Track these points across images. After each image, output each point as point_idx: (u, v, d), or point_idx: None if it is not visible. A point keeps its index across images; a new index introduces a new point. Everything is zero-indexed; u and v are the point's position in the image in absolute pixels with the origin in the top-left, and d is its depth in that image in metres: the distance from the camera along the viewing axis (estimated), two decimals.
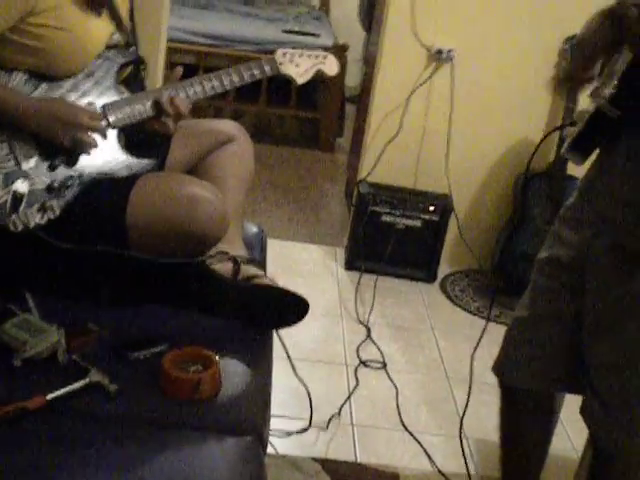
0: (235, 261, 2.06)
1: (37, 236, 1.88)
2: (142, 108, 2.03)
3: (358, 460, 2.59)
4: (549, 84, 3.83)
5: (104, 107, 2.01)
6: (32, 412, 1.54)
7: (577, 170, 2.00)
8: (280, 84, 5.19)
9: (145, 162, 2.05)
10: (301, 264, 3.92)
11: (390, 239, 3.85)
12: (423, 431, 2.78)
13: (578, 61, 1.70)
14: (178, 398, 1.66)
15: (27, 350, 1.68)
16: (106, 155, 2.00)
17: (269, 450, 2.08)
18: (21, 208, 1.88)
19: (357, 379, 3.02)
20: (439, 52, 3.75)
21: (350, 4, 6.36)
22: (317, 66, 2.26)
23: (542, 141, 2.01)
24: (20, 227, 1.88)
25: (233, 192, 2.18)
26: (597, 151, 1.79)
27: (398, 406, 2.90)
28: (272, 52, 2.21)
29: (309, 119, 5.79)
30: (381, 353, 3.23)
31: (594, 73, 1.70)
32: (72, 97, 1.99)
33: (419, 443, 2.70)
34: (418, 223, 3.85)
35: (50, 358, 1.71)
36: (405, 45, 3.77)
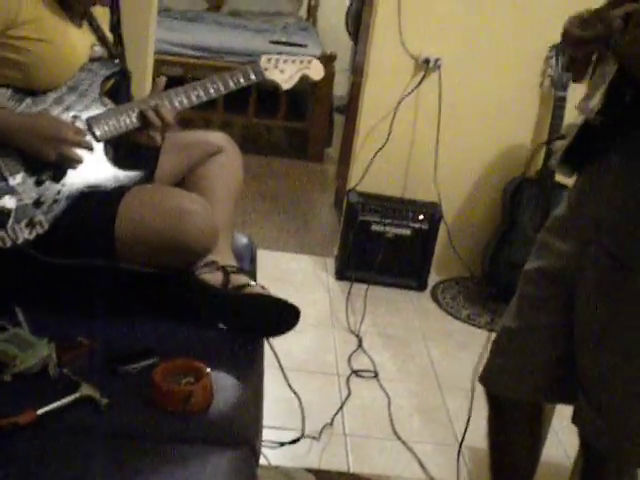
0: (225, 271, 2.05)
1: (26, 252, 1.88)
2: (127, 120, 2.03)
3: (351, 470, 2.58)
4: (536, 91, 3.85)
5: (89, 120, 2.00)
6: (23, 427, 1.53)
7: (565, 178, 2.00)
8: (268, 95, 5.20)
9: (133, 174, 2.05)
10: (291, 274, 3.92)
11: (380, 248, 3.85)
12: (416, 440, 2.78)
13: (570, 43, 1.66)
14: (169, 411, 1.66)
15: (17, 365, 1.67)
16: (93, 168, 1.99)
17: (261, 461, 2.08)
18: (9, 224, 1.87)
19: (349, 389, 3.02)
20: (426, 61, 3.76)
21: (337, 14, 6.38)
22: (302, 71, 2.26)
23: (534, 153, 2.01)
24: (9, 243, 1.87)
25: (222, 203, 2.17)
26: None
27: (390, 415, 2.89)
28: None
29: (298, 129, 5.80)
30: (373, 362, 3.22)
31: (590, 49, 1.66)
32: (56, 111, 1.98)
33: (412, 452, 2.70)
34: (408, 232, 3.86)
35: (41, 372, 1.70)
36: (392, 54, 3.78)
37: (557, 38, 1.67)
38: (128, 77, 2.17)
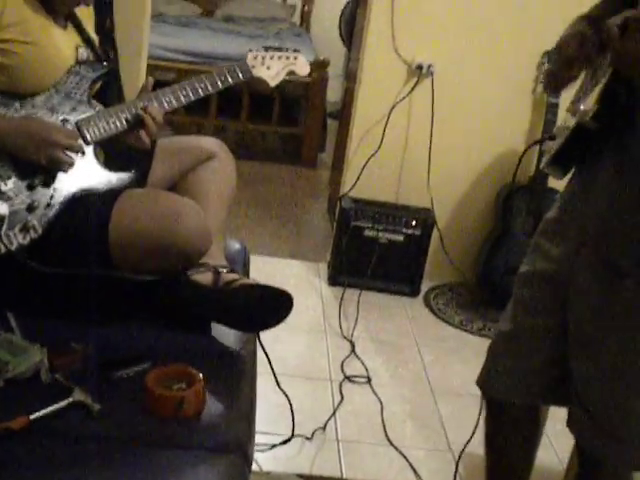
0: (216, 271, 2.05)
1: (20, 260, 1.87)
2: (117, 122, 2.02)
3: (344, 476, 2.58)
4: (529, 97, 3.86)
5: (78, 123, 1.99)
6: (16, 432, 1.53)
7: (558, 183, 2.01)
8: (262, 100, 5.20)
9: (125, 176, 2.05)
10: (284, 280, 3.91)
11: (373, 254, 3.85)
12: (408, 445, 2.78)
13: (561, 60, 1.70)
14: (162, 416, 1.65)
15: (10, 370, 1.67)
16: (85, 171, 1.99)
17: (253, 467, 2.07)
18: (3, 230, 1.86)
19: (342, 394, 3.02)
20: (419, 67, 3.77)
21: (330, 20, 6.40)
22: (288, 67, 2.26)
23: (523, 155, 2.02)
24: (3, 250, 1.86)
25: (215, 209, 2.17)
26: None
27: (383, 421, 2.89)
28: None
29: (291, 135, 5.80)
30: (365, 368, 3.22)
31: (577, 72, 1.70)
32: (45, 114, 1.97)
33: (405, 457, 2.70)
34: (400, 237, 3.86)
35: (33, 378, 1.69)
36: (385, 60, 3.79)
37: (550, 44, 1.68)
38: (118, 79, 2.17)
